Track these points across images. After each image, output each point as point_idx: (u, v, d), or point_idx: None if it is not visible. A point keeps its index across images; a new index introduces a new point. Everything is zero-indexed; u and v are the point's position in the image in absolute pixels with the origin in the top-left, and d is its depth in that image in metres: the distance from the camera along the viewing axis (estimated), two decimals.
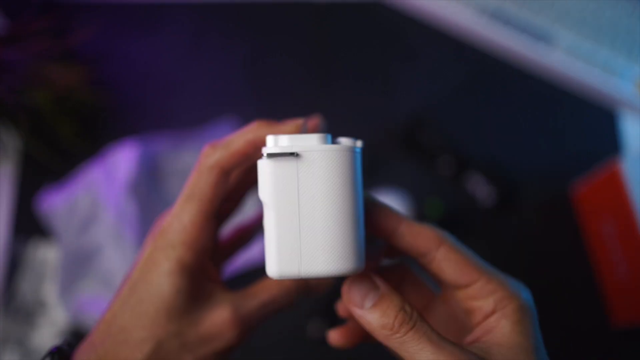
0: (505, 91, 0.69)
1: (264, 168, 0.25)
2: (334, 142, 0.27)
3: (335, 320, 0.59)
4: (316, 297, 0.33)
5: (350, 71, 0.70)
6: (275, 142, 0.25)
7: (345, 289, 0.28)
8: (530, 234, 0.64)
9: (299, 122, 0.29)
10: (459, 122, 0.68)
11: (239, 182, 0.33)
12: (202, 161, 0.29)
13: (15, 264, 0.61)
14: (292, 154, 0.24)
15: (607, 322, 0.61)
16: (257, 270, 0.60)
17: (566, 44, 0.68)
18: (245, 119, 0.66)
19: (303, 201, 0.25)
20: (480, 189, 0.64)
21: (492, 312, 0.28)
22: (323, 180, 0.25)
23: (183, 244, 0.29)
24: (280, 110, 0.69)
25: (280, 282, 0.32)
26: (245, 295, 0.31)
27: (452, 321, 0.32)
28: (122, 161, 0.61)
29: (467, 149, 0.66)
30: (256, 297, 0.31)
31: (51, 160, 0.64)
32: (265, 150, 0.25)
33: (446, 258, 0.29)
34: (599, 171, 0.61)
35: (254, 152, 0.29)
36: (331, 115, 0.69)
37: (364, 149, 0.29)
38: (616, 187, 0.57)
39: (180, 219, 0.29)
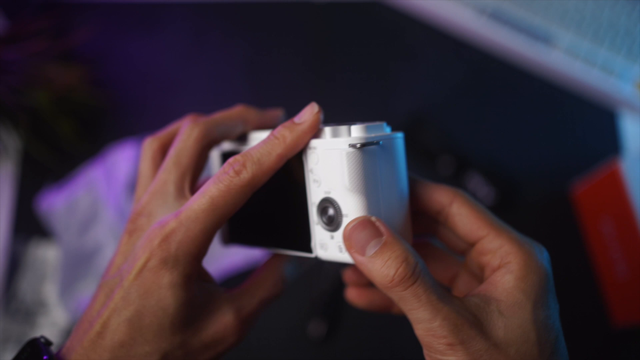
0: (505, 91, 0.69)
1: (353, 158, 0.26)
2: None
3: (335, 320, 0.59)
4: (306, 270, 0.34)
5: (349, 71, 0.70)
6: (348, 133, 0.27)
7: (346, 233, 0.27)
8: (530, 234, 0.63)
9: (279, 112, 0.31)
10: (459, 121, 0.68)
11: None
12: (232, 178, 0.28)
13: (15, 264, 0.61)
14: (377, 143, 0.27)
15: (607, 322, 0.61)
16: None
17: (566, 44, 0.68)
18: None
19: (383, 184, 0.27)
20: (480, 188, 0.64)
21: (498, 267, 0.28)
22: (394, 163, 0.28)
23: (189, 255, 0.27)
24: (283, 111, 0.69)
25: (273, 274, 0.32)
26: (243, 294, 0.31)
27: (473, 283, 0.32)
28: (122, 161, 0.61)
29: (466, 148, 0.66)
30: (255, 295, 0.31)
31: (51, 160, 0.64)
32: (350, 141, 0.26)
33: (458, 213, 0.29)
34: (599, 171, 0.61)
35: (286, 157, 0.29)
36: (331, 114, 0.69)
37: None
38: (616, 187, 0.57)
39: (190, 229, 0.27)
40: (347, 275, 0.36)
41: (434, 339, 0.25)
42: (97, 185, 0.61)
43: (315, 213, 0.29)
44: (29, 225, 0.62)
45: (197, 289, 0.28)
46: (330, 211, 0.28)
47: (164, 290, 0.27)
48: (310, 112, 0.30)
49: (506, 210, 0.64)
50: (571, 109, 0.69)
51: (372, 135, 0.27)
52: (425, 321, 0.25)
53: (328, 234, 0.28)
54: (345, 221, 0.27)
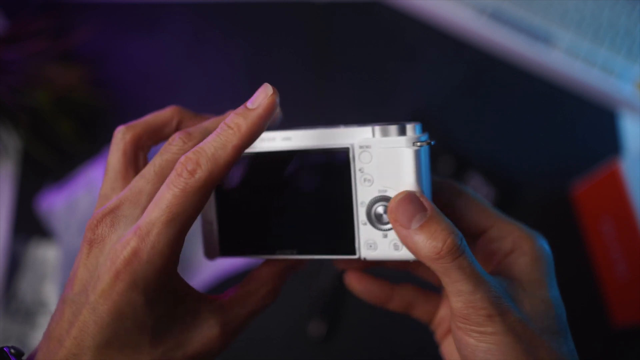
0: (505, 91, 0.69)
1: (418, 156, 0.28)
2: None
3: (335, 320, 0.59)
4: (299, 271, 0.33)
5: (349, 71, 0.70)
6: (403, 132, 0.28)
7: (391, 207, 0.27)
8: None
9: (220, 118, 0.30)
10: (459, 121, 0.68)
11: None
12: (187, 179, 0.26)
13: (15, 264, 0.61)
14: (430, 144, 0.28)
15: (607, 322, 0.61)
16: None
17: (566, 44, 0.68)
18: None
19: (427, 180, 0.29)
20: (480, 188, 0.64)
21: (511, 251, 0.30)
22: (429, 161, 0.30)
23: (158, 271, 0.26)
24: (280, 109, 0.69)
25: (268, 282, 0.31)
26: (232, 305, 0.29)
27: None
28: None
29: (466, 148, 0.66)
30: (245, 306, 0.30)
31: (51, 160, 0.64)
32: (409, 141, 0.27)
33: (466, 206, 0.30)
34: (599, 171, 0.61)
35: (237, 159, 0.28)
36: (331, 114, 0.69)
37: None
38: (616, 186, 0.57)
39: (154, 244, 0.25)
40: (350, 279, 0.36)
41: (474, 310, 0.26)
42: (97, 185, 0.61)
43: (364, 213, 0.29)
44: (29, 225, 0.62)
45: (175, 301, 0.27)
46: (386, 209, 0.28)
47: (139, 310, 0.26)
48: (264, 95, 0.28)
49: (506, 210, 0.64)
50: (571, 109, 0.69)
51: (421, 134, 0.28)
52: (468, 293, 0.26)
53: (380, 232, 0.29)
54: None
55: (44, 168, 0.64)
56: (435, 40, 0.70)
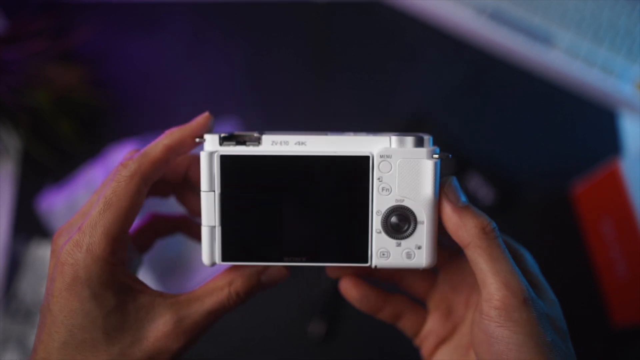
0: (505, 91, 0.69)
1: (436, 167, 0.29)
2: None
3: (335, 320, 0.59)
4: (271, 288, 0.32)
5: (350, 70, 0.70)
6: (420, 143, 0.29)
7: (447, 185, 0.29)
8: (530, 234, 0.64)
9: (205, 115, 0.30)
10: (459, 121, 0.68)
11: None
12: (120, 170, 0.28)
13: (15, 264, 0.61)
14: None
15: (607, 322, 0.61)
16: None
17: (566, 44, 0.68)
18: (245, 118, 0.66)
19: (438, 190, 0.30)
20: (480, 188, 0.64)
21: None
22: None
23: (100, 261, 0.27)
24: (280, 109, 0.69)
25: (230, 282, 0.30)
26: (189, 301, 0.29)
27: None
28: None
29: (467, 148, 0.66)
30: (203, 304, 0.29)
31: (51, 160, 0.64)
32: (429, 152, 0.29)
33: (473, 260, 0.29)
34: (599, 171, 0.61)
35: (172, 157, 0.30)
36: (331, 114, 0.69)
37: None
38: (616, 186, 0.57)
39: (93, 235, 0.27)
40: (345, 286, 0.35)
41: (511, 293, 0.26)
42: (97, 185, 0.61)
43: (379, 221, 0.29)
44: (29, 225, 0.62)
45: (125, 296, 0.28)
46: (402, 218, 0.29)
47: (87, 304, 0.27)
48: (200, 115, 0.31)
49: (506, 210, 0.64)
50: (571, 109, 0.69)
51: (435, 146, 0.30)
52: (507, 272, 0.26)
53: (393, 241, 0.29)
54: (421, 228, 0.29)
55: (44, 168, 0.64)
56: (435, 40, 0.70)
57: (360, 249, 0.30)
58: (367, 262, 0.30)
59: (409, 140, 0.29)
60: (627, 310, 0.58)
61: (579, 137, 0.68)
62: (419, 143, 0.29)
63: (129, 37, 0.71)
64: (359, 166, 0.29)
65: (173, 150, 0.29)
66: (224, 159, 0.29)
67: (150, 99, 0.69)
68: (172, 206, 0.37)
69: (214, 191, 0.29)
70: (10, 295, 0.60)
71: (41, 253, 0.61)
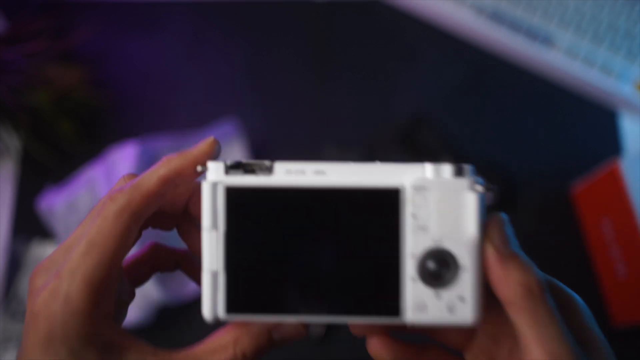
0: (505, 91, 0.69)
1: (481, 201, 0.25)
2: None
3: None
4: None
5: (350, 70, 0.70)
6: (459, 172, 0.25)
7: (496, 222, 0.25)
8: (530, 234, 0.64)
9: (209, 141, 0.26)
10: (459, 121, 0.68)
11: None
12: (107, 205, 0.24)
13: (15, 264, 0.61)
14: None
15: (607, 322, 0.61)
16: None
17: (565, 43, 0.68)
18: (245, 119, 0.66)
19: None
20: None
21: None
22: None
23: (78, 313, 0.23)
24: (280, 109, 0.69)
25: (235, 340, 0.26)
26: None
27: None
28: (122, 161, 0.61)
29: (466, 148, 0.66)
30: None
31: (51, 160, 0.64)
32: (471, 183, 0.25)
33: (519, 329, 0.25)
34: (599, 171, 0.61)
35: (169, 189, 0.26)
36: (331, 114, 0.69)
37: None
38: (616, 187, 0.57)
39: (72, 283, 0.23)
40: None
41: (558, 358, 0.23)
42: (98, 186, 0.61)
43: (414, 266, 0.25)
44: (29, 226, 0.62)
45: (109, 352, 0.24)
46: (441, 263, 0.25)
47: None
48: (204, 141, 0.26)
49: (506, 210, 0.64)
50: (571, 109, 0.69)
51: (476, 176, 0.26)
52: (555, 341, 0.23)
53: (431, 291, 0.25)
54: (464, 275, 0.24)
55: (44, 168, 0.64)
56: (435, 40, 0.70)
57: (392, 301, 0.25)
58: (399, 316, 0.25)
59: (447, 168, 0.25)
60: (627, 310, 0.58)
61: (579, 137, 0.68)
62: (459, 172, 0.25)
63: (129, 37, 0.71)
64: (389, 200, 0.25)
65: (170, 182, 0.25)
66: (230, 191, 0.25)
67: (150, 99, 0.69)
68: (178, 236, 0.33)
69: (218, 229, 0.25)
70: (11, 295, 0.60)
71: (41, 253, 0.61)
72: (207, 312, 0.25)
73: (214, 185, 0.25)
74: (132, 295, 0.30)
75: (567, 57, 0.68)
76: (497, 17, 0.69)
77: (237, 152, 0.64)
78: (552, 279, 0.27)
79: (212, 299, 0.25)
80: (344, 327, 0.30)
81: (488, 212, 0.26)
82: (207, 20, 0.71)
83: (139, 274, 0.30)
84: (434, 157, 0.65)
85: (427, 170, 0.25)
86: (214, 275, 0.25)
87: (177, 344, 0.26)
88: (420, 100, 0.69)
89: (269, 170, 0.25)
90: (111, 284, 0.24)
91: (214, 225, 0.25)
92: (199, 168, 0.26)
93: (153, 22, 0.71)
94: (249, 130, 0.65)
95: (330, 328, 0.59)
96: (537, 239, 0.64)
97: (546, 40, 0.68)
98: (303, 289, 0.26)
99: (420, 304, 0.25)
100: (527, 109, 0.69)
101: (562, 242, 0.64)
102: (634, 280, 0.56)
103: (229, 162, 0.25)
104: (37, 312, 0.23)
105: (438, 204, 0.25)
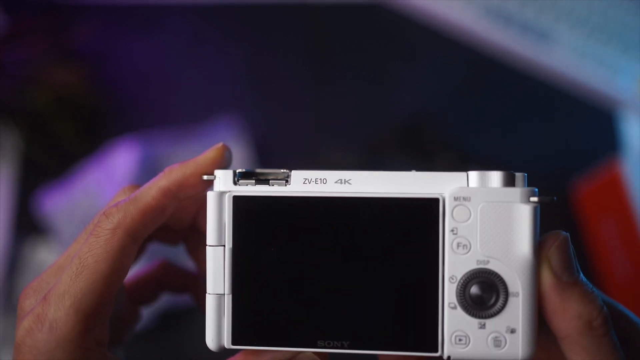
0: (505, 91, 0.69)
1: (536, 215, 0.21)
2: None
3: None
4: None
5: (350, 71, 0.70)
6: (510, 181, 0.22)
7: (549, 249, 0.21)
8: None
9: (218, 147, 0.24)
10: (459, 122, 0.68)
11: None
12: (101, 222, 0.22)
13: (15, 264, 0.61)
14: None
15: None
16: None
17: (566, 44, 0.68)
18: (245, 119, 0.66)
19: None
20: None
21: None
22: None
23: (66, 342, 0.21)
24: (281, 110, 0.69)
25: None
26: None
27: None
28: (121, 161, 0.61)
29: (466, 148, 0.66)
30: None
31: (51, 160, 0.64)
32: (524, 195, 0.21)
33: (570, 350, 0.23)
34: (599, 171, 0.61)
35: (171, 203, 0.23)
36: (331, 115, 0.69)
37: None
38: (616, 187, 0.57)
39: (59, 308, 0.21)
40: None
41: None
42: (97, 186, 0.61)
43: (454, 291, 0.21)
44: (29, 226, 0.62)
45: None
46: (487, 288, 0.21)
47: None
48: (212, 147, 0.24)
49: None
50: (571, 109, 0.69)
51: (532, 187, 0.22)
52: None
53: (475, 321, 0.21)
54: (515, 302, 0.21)
55: (44, 168, 0.64)
56: (435, 40, 0.70)
57: (427, 332, 0.21)
58: (436, 351, 0.21)
59: (495, 176, 0.21)
60: None
61: (579, 137, 0.68)
62: (510, 181, 0.21)
63: (129, 38, 0.71)
64: (425, 213, 0.21)
65: (172, 195, 0.23)
66: (239, 201, 0.22)
67: (150, 99, 0.69)
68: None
69: (224, 245, 0.22)
70: (10, 295, 0.60)
71: (40, 253, 0.61)
72: (210, 341, 0.22)
73: (221, 195, 0.22)
74: (136, 316, 0.28)
75: (567, 57, 0.68)
76: (497, 17, 0.69)
77: (236, 153, 0.64)
78: (616, 304, 0.24)
79: (216, 326, 0.22)
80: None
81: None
82: (207, 21, 0.71)
83: (145, 293, 0.28)
84: (434, 156, 0.65)
85: (471, 178, 0.22)
86: (219, 299, 0.22)
87: (180, 348, 0.26)
88: (420, 100, 0.69)
89: (285, 180, 0.22)
90: (105, 308, 0.22)
91: (220, 241, 0.22)
92: (205, 177, 0.23)
93: (153, 23, 0.71)
94: (249, 130, 0.65)
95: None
96: None
97: (547, 40, 0.68)
98: (322, 316, 0.22)
99: (460, 335, 0.21)
100: (527, 109, 0.69)
101: None
102: (634, 280, 0.56)
103: (239, 170, 0.23)
104: (20, 342, 0.21)
105: (483, 218, 0.21)
